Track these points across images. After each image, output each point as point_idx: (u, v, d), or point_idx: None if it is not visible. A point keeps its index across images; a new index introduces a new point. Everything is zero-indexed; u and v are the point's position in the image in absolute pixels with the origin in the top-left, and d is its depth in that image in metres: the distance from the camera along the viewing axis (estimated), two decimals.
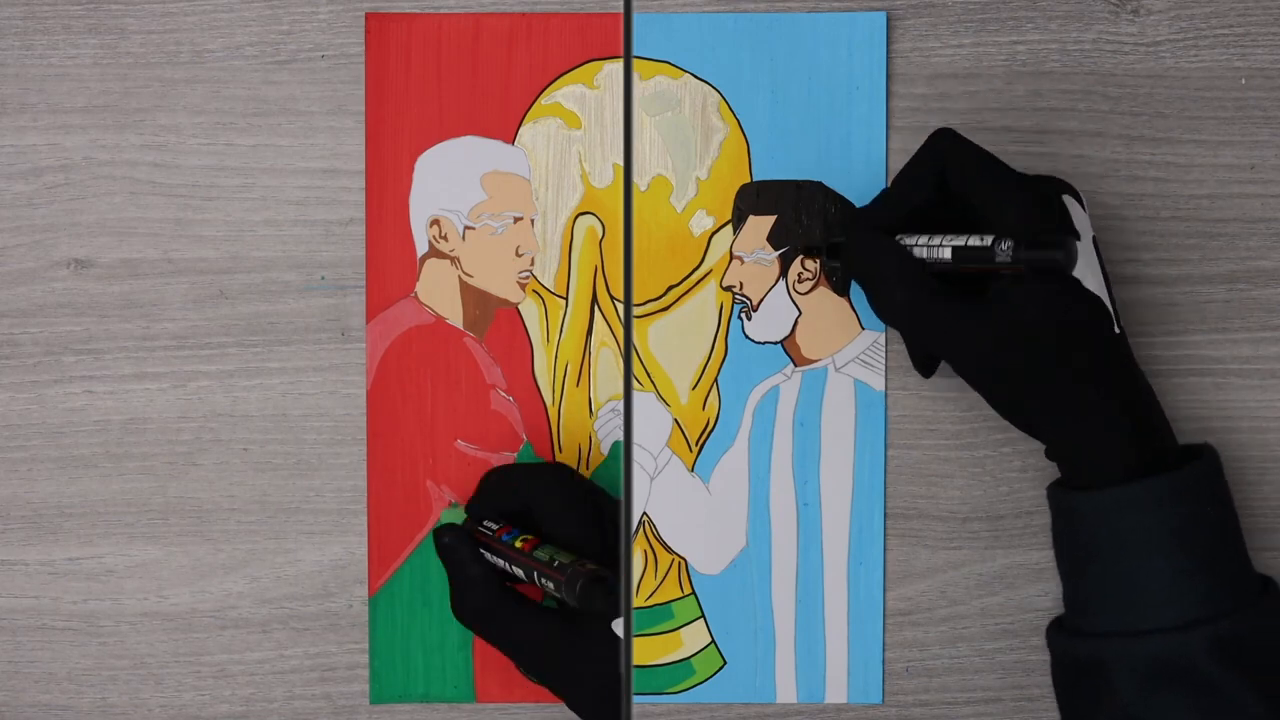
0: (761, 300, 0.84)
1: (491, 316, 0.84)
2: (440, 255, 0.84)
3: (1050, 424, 0.75)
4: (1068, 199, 0.75)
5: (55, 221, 0.83)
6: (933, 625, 0.85)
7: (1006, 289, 0.73)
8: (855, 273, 0.79)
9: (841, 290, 0.82)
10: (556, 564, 0.75)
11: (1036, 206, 0.74)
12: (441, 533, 0.80)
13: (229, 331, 0.83)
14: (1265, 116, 0.84)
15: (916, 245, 0.76)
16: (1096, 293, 0.74)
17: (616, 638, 0.75)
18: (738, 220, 0.84)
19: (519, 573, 0.78)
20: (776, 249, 0.84)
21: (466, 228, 0.84)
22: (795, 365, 0.84)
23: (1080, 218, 0.75)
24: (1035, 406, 0.75)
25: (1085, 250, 0.74)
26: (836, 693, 0.85)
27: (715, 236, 0.84)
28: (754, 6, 0.83)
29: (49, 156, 0.83)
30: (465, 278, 0.84)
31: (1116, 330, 0.75)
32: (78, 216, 0.83)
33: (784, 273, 0.84)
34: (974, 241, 0.74)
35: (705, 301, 0.84)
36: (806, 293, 0.84)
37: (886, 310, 0.77)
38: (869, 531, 0.84)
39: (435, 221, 0.84)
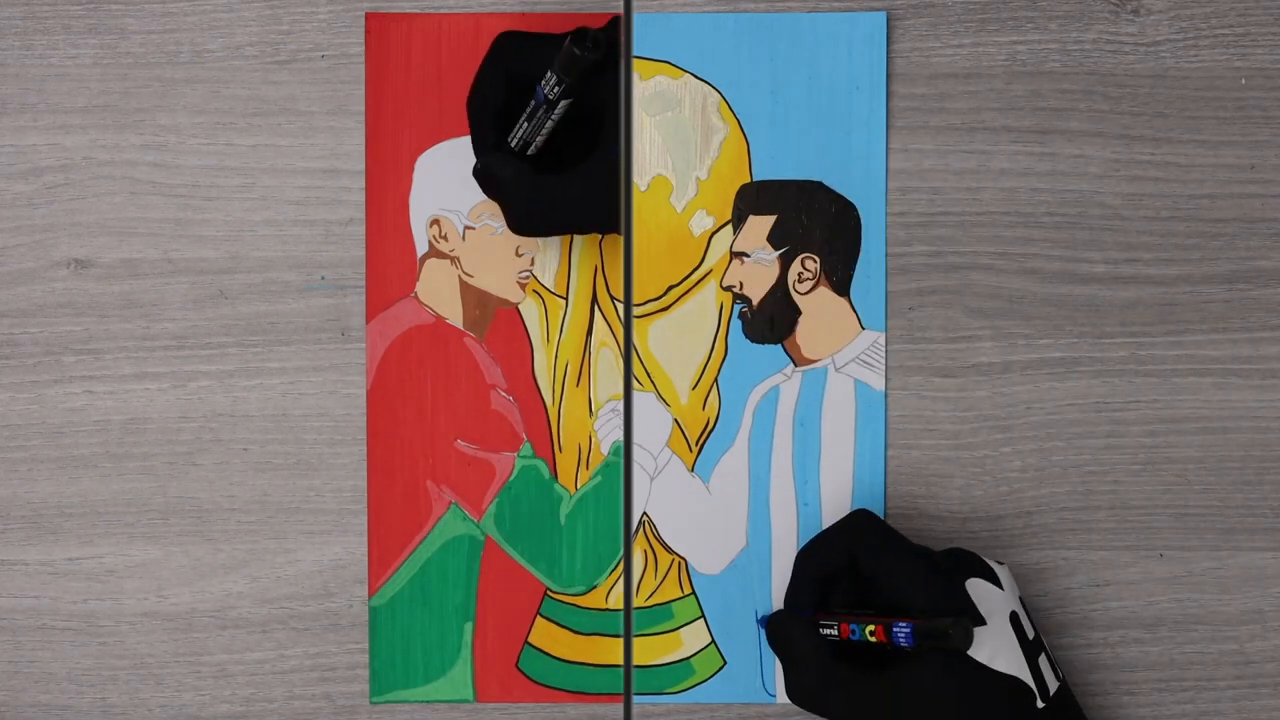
0: (761, 300, 0.84)
1: (491, 316, 0.84)
2: (440, 255, 0.84)
3: None
4: (974, 581, 0.76)
5: (55, 221, 0.83)
6: None
7: (910, 666, 0.75)
8: (776, 652, 0.80)
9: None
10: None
11: (938, 591, 0.75)
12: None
13: (229, 331, 0.83)
14: (1265, 116, 0.84)
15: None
16: (1012, 672, 0.75)
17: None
18: (738, 220, 0.84)
19: (528, 121, 0.77)
20: (776, 249, 0.84)
21: (466, 228, 0.84)
22: (795, 365, 0.84)
23: (994, 596, 0.76)
24: None
25: (997, 630, 0.75)
26: None
27: (715, 236, 0.84)
28: (754, 6, 0.83)
29: (49, 156, 0.83)
30: (465, 278, 0.84)
31: (1040, 705, 0.75)
32: (78, 216, 0.83)
33: (784, 273, 0.84)
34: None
35: (705, 301, 0.84)
36: (806, 293, 0.84)
37: (796, 691, 0.78)
38: None
39: (435, 221, 0.84)
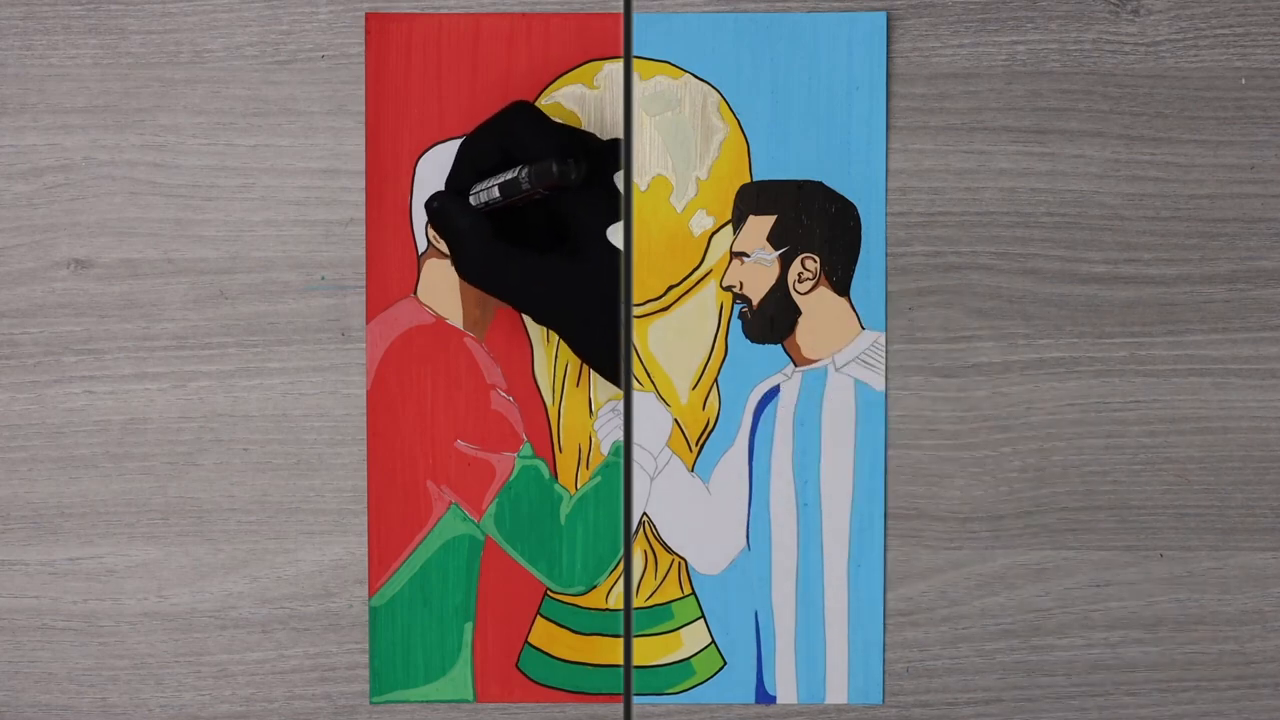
0: (761, 300, 0.84)
1: (491, 316, 0.84)
2: (440, 255, 0.84)
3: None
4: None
5: (55, 221, 0.83)
6: (933, 625, 0.85)
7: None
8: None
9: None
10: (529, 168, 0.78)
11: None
12: (430, 200, 0.82)
13: (229, 331, 0.83)
14: (1265, 116, 0.84)
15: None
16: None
17: (614, 253, 0.78)
18: (738, 220, 0.84)
19: (499, 193, 0.80)
20: (776, 249, 0.84)
21: None
22: (795, 365, 0.84)
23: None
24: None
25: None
26: (836, 693, 0.85)
27: (715, 236, 0.84)
28: (754, 6, 0.83)
29: (49, 156, 0.83)
30: None
31: None
32: (78, 216, 0.83)
33: (784, 273, 0.84)
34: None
35: (705, 301, 0.84)
36: (806, 293, 0.84)
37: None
38: (869, 531, 0.84)
39: None
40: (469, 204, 0.80)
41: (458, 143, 0.83)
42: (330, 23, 0.83)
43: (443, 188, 0.82)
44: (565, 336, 0.81)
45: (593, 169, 0.80)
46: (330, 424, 0.84)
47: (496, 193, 0.79)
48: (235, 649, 0.84)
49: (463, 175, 0.81)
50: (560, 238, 0.81)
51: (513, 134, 0.80)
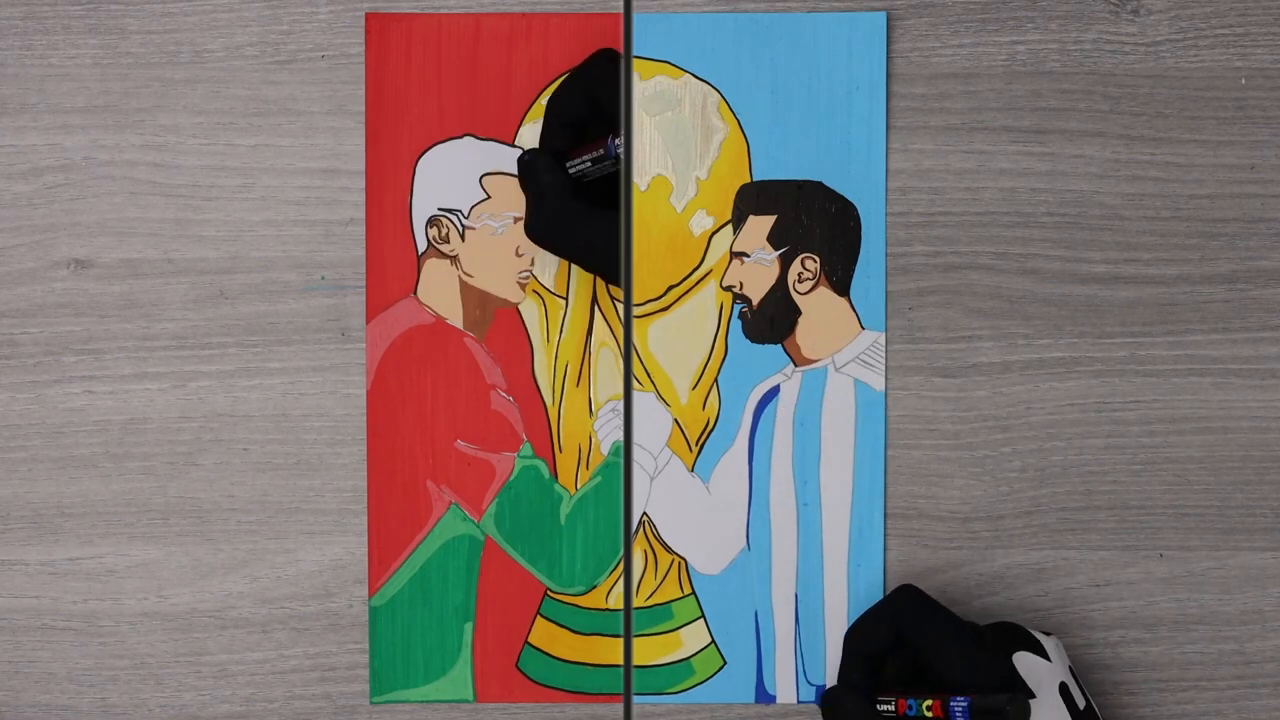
0: (761, 300, 0.84)
1: (491, 316, 0.84)
2: (440, 255, 0.84)
3: None
4: (1021, 655, 0.77)
5: (55, 221, 0.83)
6: None
7: None
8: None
9: None
10: None
11: (986, 667, 0.76)
12: (521, 155, 0.81)
13: (229, 331, 0.83)
14: (1265, 116, 0.84)
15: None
16: None
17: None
18: (738, 220, 0.84)
19: (591, 165, 0.80)
20: (776, 249, 0.84)
21: (466, 228, 0.84)
22: (795, 365, 0.84)
23: (1041, 669, 0.77)
24: None
25: (1048, 703, 0.76)
26: None
27: (715, 236, 0.84)
28: (754, 6, 0.83)
29: (49, 156, 0.83)
30: (465, 278, 0.84)
31: None
32: (78, 216, 0.83)
33: (784, 273, 0.84)
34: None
35: (705, 301, 0.84)
36: (806, 293, 0.84)
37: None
38: (869, 531, 0.84)
39: (435, 221, 0.84)
40: (556, 162, 0.80)
41: (458, 143, 0.83)
42: (330, 23, 0.83)
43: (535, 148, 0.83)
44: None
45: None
46: (330, 424, 0.84)
47: (588, 165, 0.80)
48: (235, 649, 0.84)
49: (553, 130, 0.81)
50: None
51: (601, 82, 0.80)
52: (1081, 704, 0.77)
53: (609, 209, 0.81)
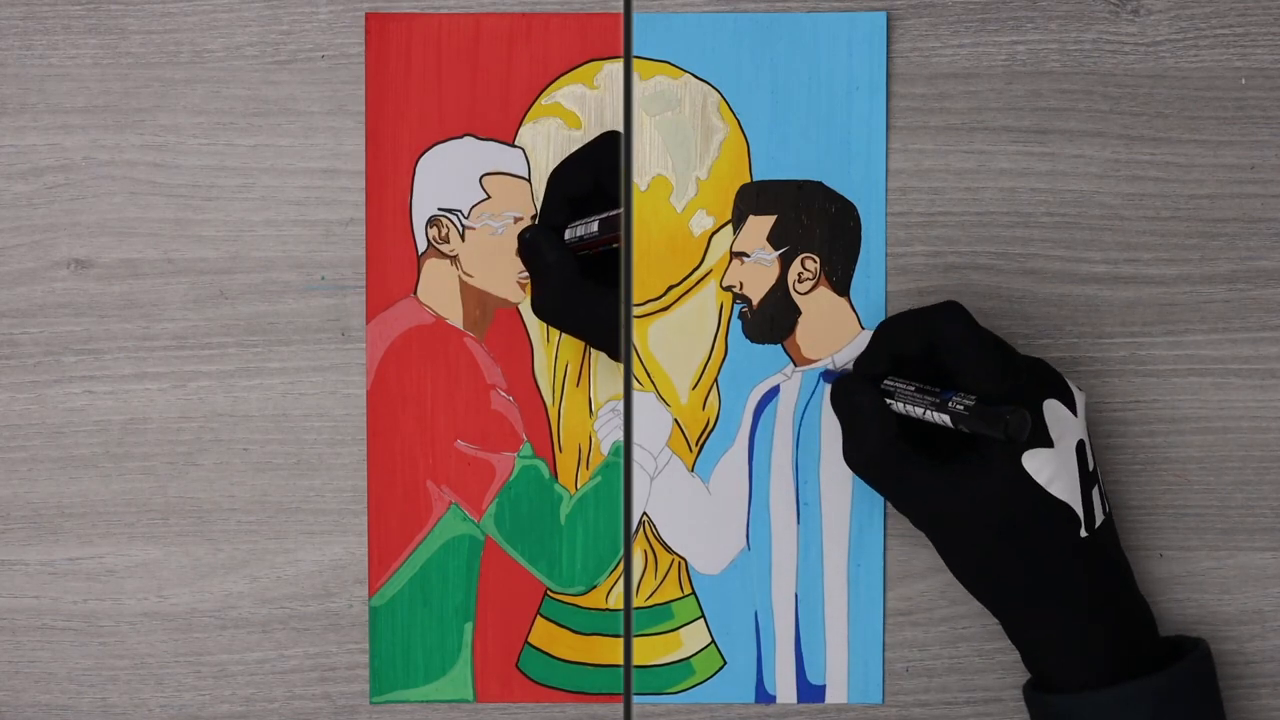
0: (761, 300, 0.84)
1: (491, 316, 0.84)
2: (440, 255, 0.84)
3: (1013, 625, 0.77)
4: (1051, 402, 0.75)
5: (55, 221, 0.83)
6: (933, 625, 0.85)
7: (968, 465, 0.74)
8: (837, 414, 0.79)
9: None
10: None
11: (1014, 397, 0.74)
12: (523, 233, 0.81)
13: (229, 331, 0.83)
14: (1265, 116, 0.84)
15: (899, 390, 0.77)
16: (1066, 499, 0.74)
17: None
18: (738, 220, 0.84)
19: (597, 229, 0.78)
20: (776, 249, 0.84)
21: (466, 228, 0.84)
22: (795, 365, 0.84)
23: (1067, 421, 0.75)
24: (994, 600, 0.77)
25: (1063, 456, 0.75)
26: (837, 693, 0.85)
27: (715, 236, 0.84)
28: (754, 6, 0.83)
29: (49, 156, 0.83)
30: (465, 278, 0.84)
31: (1084, 534, 0.75)
32: (78, 216, 0.83)
33: (784, 273, 0.84)
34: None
35: (705, 301, 0.84)
36: (806, 293, 0.84)
37: (851, 456, 0.78)
38: (869, 531, 0.84)
39: (435, 221, 0.84)
40: (560, 238, 0.81)
41: (458, 143, 0.83)
42: (330, 23, 0.83)
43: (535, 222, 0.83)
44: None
45: None
46: (330, 424, 0.84)
47: (595, 228, 0.79)
48: (235, 649, 0.84)
49: (553, 206, 0.82)
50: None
51: (605, 163, 0.81)
52: (1090, 466, 0.76)
53: (613, 287, 0.81)
